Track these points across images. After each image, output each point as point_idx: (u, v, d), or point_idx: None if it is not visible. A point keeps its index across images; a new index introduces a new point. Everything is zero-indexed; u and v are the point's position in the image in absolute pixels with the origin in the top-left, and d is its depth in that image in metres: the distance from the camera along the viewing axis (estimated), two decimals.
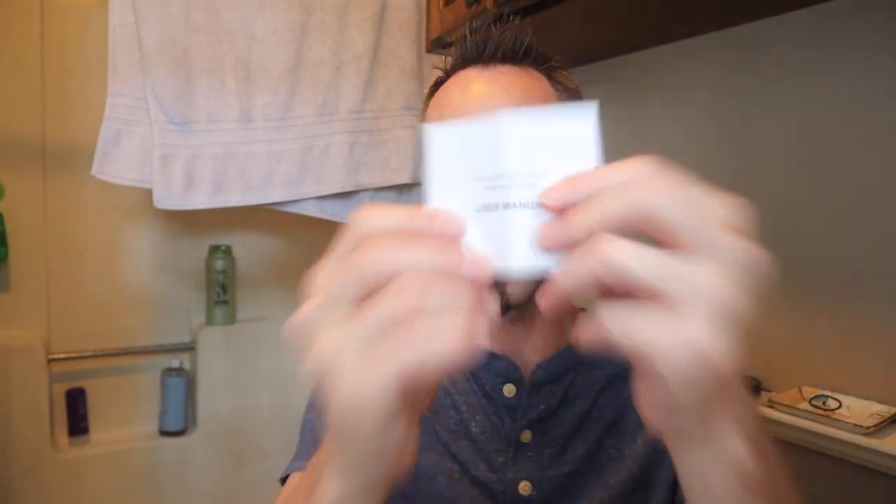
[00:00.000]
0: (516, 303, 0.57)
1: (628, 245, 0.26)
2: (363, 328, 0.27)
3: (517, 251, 0.30)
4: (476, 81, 0.59)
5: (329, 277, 0.29)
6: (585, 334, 0.28)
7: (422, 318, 0.26)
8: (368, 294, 0.27)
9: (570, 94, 0.63)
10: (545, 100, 0.59)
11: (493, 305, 0.29)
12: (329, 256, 0.30)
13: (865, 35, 0.93)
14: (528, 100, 0.58)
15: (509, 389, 0.61)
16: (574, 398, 0.62)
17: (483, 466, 0.60)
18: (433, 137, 0.32)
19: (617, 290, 0.27)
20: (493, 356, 0.62)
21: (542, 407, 0.60)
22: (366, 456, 0.30)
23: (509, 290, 0.56)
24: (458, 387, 0.64)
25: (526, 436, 0.60)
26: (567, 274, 0.28)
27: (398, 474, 0.32)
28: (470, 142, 0.32)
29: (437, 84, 0.65)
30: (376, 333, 0.26)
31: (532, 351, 0.62)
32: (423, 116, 0.67)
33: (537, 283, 0.53)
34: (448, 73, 0.64)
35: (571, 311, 0.64)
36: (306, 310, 0.29)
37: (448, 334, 0.26)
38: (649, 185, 0.27)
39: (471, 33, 0.61)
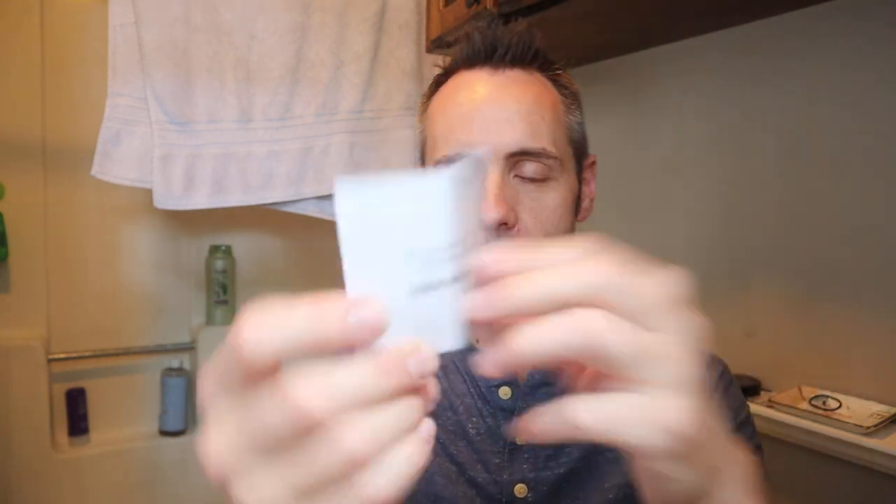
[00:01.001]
0: None
1: (609, 317, 0.25)
2: (295, 481, 0.24)
3: (449, 330, 0.26)
4: (485, 85, 0.57)
5: (228, 403, 0.25)
6: (546, 427, 0.27)
7: (364, 465, 0.23)
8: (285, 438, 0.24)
9: (574, 97, 0.62)
10: (553, 107, 0.59)
11: (434, 392, 0.26)
12: (214, 362, 0.25)
13: (865, 35, 0.93)
14: (539, 107, 0.57)
15: (504, 392, 0.61)
16: None
17: (480, 468, 0.60)
18: (345, 199, 0.24)
19: (571, 367, 0.27)
20: None
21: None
22: None
23: None
24: (455, 388, 0.63)
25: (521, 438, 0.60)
26: (531, 340, 0.25)
27: None
28: (398, 206, 0.25)
29: (438, 83, 0.63)
30: (311, 489, 0.24)
31: None
32: (422, 116, 0.65)
33: None
34: (449, 72, 0.62)
35: None
36: (217, 442, 0.25)
37: (397, 470, 0.24)
38: (594, 265, 0.26)
39: (478, 32, 0.59)
